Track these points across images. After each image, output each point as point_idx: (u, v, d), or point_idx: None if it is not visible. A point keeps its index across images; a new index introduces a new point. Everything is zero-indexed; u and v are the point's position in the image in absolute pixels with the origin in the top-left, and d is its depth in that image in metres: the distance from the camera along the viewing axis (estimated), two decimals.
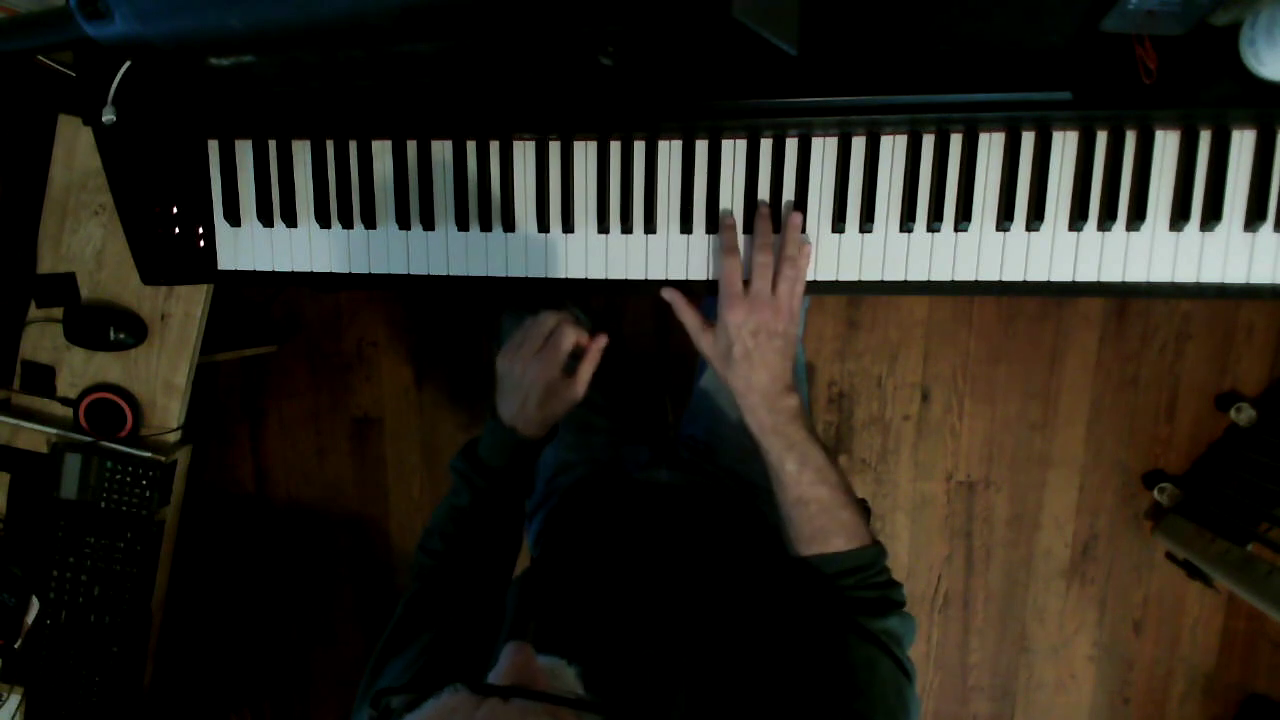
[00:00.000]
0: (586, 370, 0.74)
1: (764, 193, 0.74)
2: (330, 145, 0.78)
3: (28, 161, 1.08)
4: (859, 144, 0.72)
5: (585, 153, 0.75)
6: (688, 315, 0.73)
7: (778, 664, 0.55)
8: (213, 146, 0.79)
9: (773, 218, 0.73)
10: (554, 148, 0.75)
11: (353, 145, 0.78)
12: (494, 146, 0.76)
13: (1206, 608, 1.69)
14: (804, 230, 0.73)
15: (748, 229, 0.74)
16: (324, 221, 0.79)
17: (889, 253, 0.73)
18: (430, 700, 0.38)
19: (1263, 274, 0.70)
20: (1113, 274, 0.71)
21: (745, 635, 0.57)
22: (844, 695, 0.54)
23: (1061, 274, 0.72)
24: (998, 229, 0.72)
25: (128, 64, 0.72)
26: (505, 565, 0.77)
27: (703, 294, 0.77)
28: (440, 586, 0.72)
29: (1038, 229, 0.71)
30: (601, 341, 0.74)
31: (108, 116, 0.72)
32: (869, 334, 1.64)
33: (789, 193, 0.73)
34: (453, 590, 0.71)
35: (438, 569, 0.73)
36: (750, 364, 0.67)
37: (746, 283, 0.70)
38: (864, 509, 0.67)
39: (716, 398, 0.96)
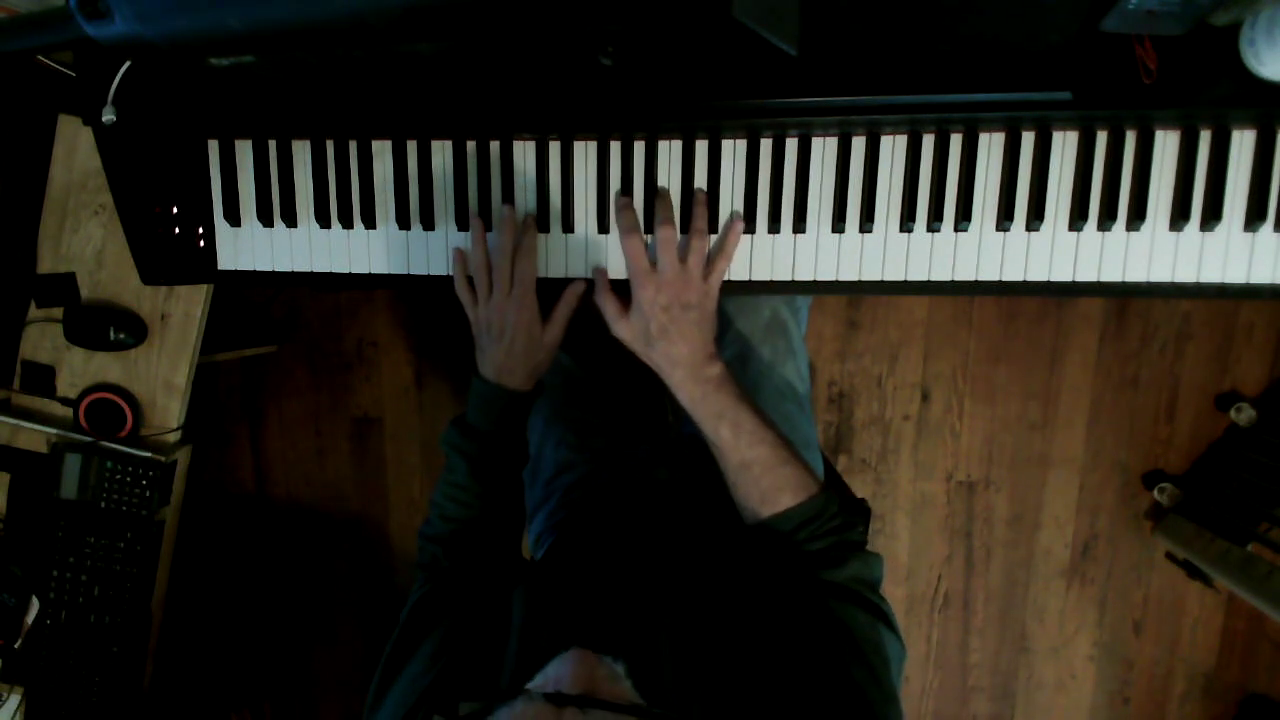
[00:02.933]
0: (563, 312, 0.74)
1: (764, 192, 0.74)
2: (330, 145, 0.78)
3: (28, 161, 1.08)
4: (859, 144, 0.72)
5: (585, 152, 0.75)
6: (607, 301, 0.72)
7: (787, 652, 0.55)
8: (213, 146, 0.79)
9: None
10: (554, 148, 0.75)
11: (353, 145, 0.78)
12: (494, 146, 0.76)
13: (1206, 608, 1.69)
14: (748, 219, 0.73)
15: (751, 229, 0.74)
16: (324, 221, 0.79)
17: (889, 253, 0.73)
18: (503, 708, 0.39)
19: (1263, 274, 0.70)
20: (1113, 274, 0.71)
21: (758, 626, 0.57)
22: (837, 664, 0.54)
23: (1061, 274, 0.72)
24: (998, 229, 0.72)
25: (128, 64, 0.72)
26: (511, 542, 0.75)
27: None
28: (447, 576, 0.71)
29: (1038, 229, 0.71)
30: (579, 287, 0.74)
31: (108, 116, 0.72)
32: (869, 334, 1.64)
33: (789, 192, 0.73)
34: (460, 579, 0.70)
35: (442, 555, 0.72)
36: (668, 339, 0.68)
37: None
38: (805, 462, 0.67)
39: None
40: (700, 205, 0.72)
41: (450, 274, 0.79)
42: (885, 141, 0.71)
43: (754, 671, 0.52)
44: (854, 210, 0.73)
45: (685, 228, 0.73)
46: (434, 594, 0.69)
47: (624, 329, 0.71)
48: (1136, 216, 0.70)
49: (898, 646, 0.58)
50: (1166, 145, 0.69)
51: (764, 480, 0.65)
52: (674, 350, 0.67)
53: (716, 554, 0.69)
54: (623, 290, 0.73)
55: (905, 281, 0.74)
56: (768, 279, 0.75)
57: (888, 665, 0.56)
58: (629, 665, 0.45)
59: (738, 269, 0.75)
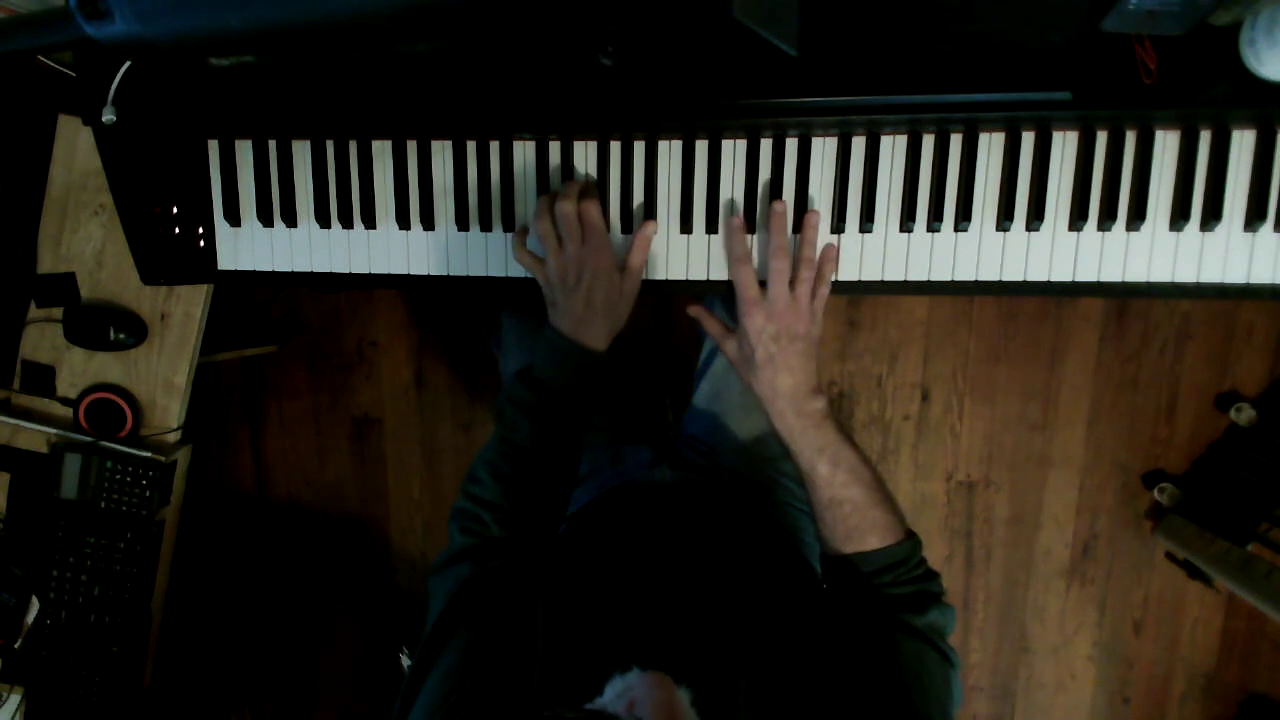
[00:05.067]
0: (638, 256, 0.72)
1: (763, 193, 0.74)
2: (330, 145, 0.78)
3: (28, 161, 1.08)
4: (859, 144, 0.72)
5: (585, 153, 0.75)
6: (711, 325, 0.74)
7: (826, 660, 0.55)
8: (213, 146, 0.79)
9: (791, 213, 0.72)
10: (554, 148, 0.75)
11: (353, 145, 0.78)
12: (494, 146, 0.76)
13: (1206, 608, 1.69)
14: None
15: (751, 228, 0.73)
16: (324, 221, 0.79)
17: (889, 253, 0.73)
18: None
19: (1263, 274, 0.70)
20: (1113, 274, 0.71)
21: (786, 631, 0.56)
22: (899, 692, 0.55)
23: (1061, 274, 0.72)
24: (998, 229, 0.72)
25: (128, 64, 0.72)
26: (560, 515, 0.71)
27: (704, 293, 0.77)
28: (493, 550, 0.64)
29: (1038, 229, 0.71)
30: (651, 228, 0.73)
31: (108, 116, 0.72)
32: (869, 334, 1.64)
33: (789, 193, 0.73)
34: (507, 553, 0.64)
35: (492, 521, 0.65)
36: (774, 369, 0.67)
37: (763, 283, 0.69)
38: (896, 506, 0.67)
39: (718, 399, 0.96)
40: (812, 229, 0.70)
41: (450, 274, 0.79)
42: (885, 141, 0.71)
43: (816, 694, 0.52)
44: (854, 210, 0.73)
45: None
46: (476, 580, 0.62)
47: (731, 350, 0.72)
48: (1136, 216, 0.70)
49: (960, 692, 0.59)
50: (1166, 145, 0.69)
51: (852, 519, 0.64)
52: (778, 380, 0.67)
53: (737, 557, 0.67)
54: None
55: (905, 281, 0.74)
56: None
57: (955, 705, 0.58)
58: (695, 694, 0.45)
59: None
